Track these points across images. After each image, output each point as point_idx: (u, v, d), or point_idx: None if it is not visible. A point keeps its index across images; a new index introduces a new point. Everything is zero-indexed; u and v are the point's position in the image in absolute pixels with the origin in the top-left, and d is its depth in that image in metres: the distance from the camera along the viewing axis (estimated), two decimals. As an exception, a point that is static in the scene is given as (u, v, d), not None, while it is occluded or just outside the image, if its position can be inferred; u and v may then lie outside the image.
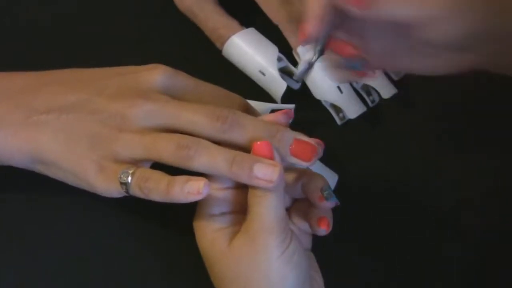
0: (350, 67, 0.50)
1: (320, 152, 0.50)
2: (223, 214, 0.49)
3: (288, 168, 0.51)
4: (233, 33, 0.64)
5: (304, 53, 0.62)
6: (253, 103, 0.56)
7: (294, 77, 0.47)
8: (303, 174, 0.52)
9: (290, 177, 0.52)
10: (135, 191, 0.48)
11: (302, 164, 0.49)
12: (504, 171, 0.61)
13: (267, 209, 0.47)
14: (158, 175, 0.47)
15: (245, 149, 0.48)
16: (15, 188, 0.56)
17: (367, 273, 0.57)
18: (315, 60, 0.48)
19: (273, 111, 0.58)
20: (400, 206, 0.60)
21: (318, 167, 0.57)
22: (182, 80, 0.52)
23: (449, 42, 0.46)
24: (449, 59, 0.48)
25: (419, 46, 0.48)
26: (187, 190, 0.45)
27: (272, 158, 0.47)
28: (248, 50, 0.63)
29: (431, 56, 0.48)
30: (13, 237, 0.56)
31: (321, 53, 0.48)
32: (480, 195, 0.60)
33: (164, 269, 0.55)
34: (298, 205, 0.53)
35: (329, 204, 0.50)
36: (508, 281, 0.57)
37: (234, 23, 0.65)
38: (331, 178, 0.58)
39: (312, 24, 0.46)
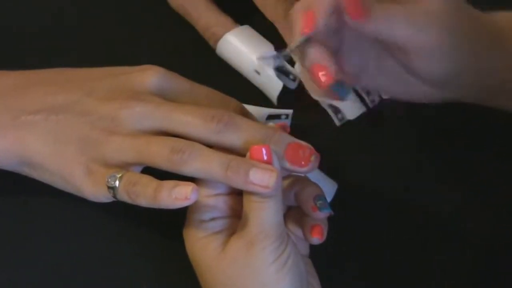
0: (334, 91, 0.48)
1: (317, 159, 0.48)
2: (213, 219, 0.49)
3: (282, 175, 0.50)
4: (227, 31, 0.63)
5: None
6: (249, 108, 0.55)
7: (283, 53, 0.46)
8: (296, 182, 0.51)
9: (283, 184, 0.51)
10: (123, 196, 0.47)
11: (299, 170, 0.48)
12: (505, 171, 0.61)
13: (266, 214, 0.46)
14: (146, 179, 0.46)
15: (241, 152, 0.47)
16: (7, 190, 0.55)
17: (365, 280, 0.56)
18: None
19: (270, 116, 0.57)
20: (400, 210, 0.59)
21: (317, 176, 0.56)
22: (176, 82, 0.52)
23: (431, 77, 0.47)
24: (428, 92, 0.49)
25: (401, 73, 0.48)
26: (174, 196, 0.44)
27: (270, 162, 0.46)
28: (243, 49, 0.62)
29: (410, 85, 0.49)
30: (5, 238, 0.55)
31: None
32: (480, 197, 0.60)
33: (156, 274, 0.55)
34: (292, 212, 0.52)
35: (322, 214, 0.50)
36: (509, 283, 0.57)
37: (228, 21, 0.64)
38: (331, 187, 0.57)
39: (319, 16, 0.45)
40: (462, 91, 0.49)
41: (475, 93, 0.50)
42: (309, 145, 0.48)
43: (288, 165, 0.48)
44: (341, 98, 0.48)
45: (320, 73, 0.46)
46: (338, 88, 0.47)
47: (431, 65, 0.46)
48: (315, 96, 0.55)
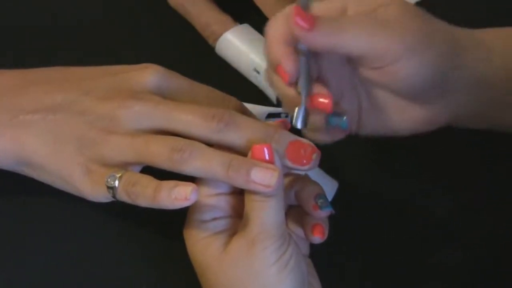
0: (335, 125, 0.48)
1: (318, 157, 0.48)
2: (215, 219, 0.48)
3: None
4: (226, 30, 0.63)
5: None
6: (249, 106, 0.55)
7: (293, 124, 0.47)
8: (297, 181, 0.51)
9: (283, 183, 0.50)
10: (122, 196, 0.47)
11: (301, 168, 0.47)
12: (503, 173, 0.61)
13: (267, 214, 0.46)
14: (146, 179, 0.46)
15: (241, 151, 0.47)
16: (7, 190, 0.55)
17: (365, 280, 0.56)
18: (304, 102, 0.46)
19: (270, 114, 0.56)
20: (400, 210, 0.59)
21: (317, 174, 0.56)
22: (175, 81, 0.51)
23: (404, 86, 0.46)
24: (413, 114, 0.49)
25: (391, 101, 0.48)
26: (174, 196, 0.44)
27: (272, 161, 0.46)
28: (242, 47, 0.62)
29: (395, 111, 0.49)
30: (5, 239, 0.55)
31: (307, 93, 0.47)
32: (480, 197, 0.60)
33: (156, 274, 0.54)
34: (293, 212, 0.52)
35: (323, 213, 0.49)
36: (509, 283, 0.56)
37: (227, 19, 0.64)
38: (331, 186, 0.57)
39: (285, 64, 0.46)
40: (453, 107, 0.49)
41: (472, 109, 0.50)
42: (311, 143, 0.48)
43: (289, 163, 0.47)
44: (344, 130, 0.48)
45: (321, 99, 0.46)
46: (337, 120, 0.48)
47: (396, 73, 0.46)
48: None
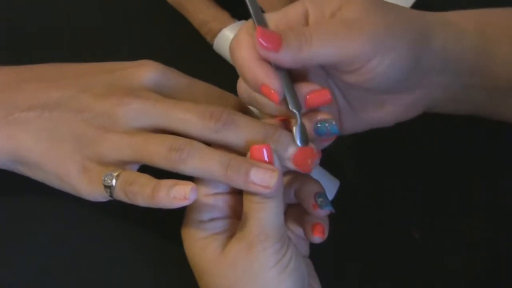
0: (326, 132, 0.47)
1: (319, 158, 0.48)
2: (213, 220, 0.48)
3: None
4: (224, 26, 0.62)
5: None
6: None
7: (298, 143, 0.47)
8: (296, 179, 0.50)
9: (282, 181, 0.49)
10: (120, 195, 0.46)
11: (301, 170, 0.47)
12: (504, 170, 0.61)
13: (266, 215, 0.46)
14: (144, 178, 0.45)
15: (240, 151, 0.47)
16: (5, 189, 0.55)
17: (365, 280, 0.56)
18: (300, 119, 0.46)
19: None
20: (400, 210, 0.59)
21: (319, 173, 0.56)
22: (174, 78, 0.51)
23: (381, 82, 0.46)
24: (392, 105, 0.49)
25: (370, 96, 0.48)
26: (173, 195, 0.44)
27: (271, 162, 0.45)
28: (241, 45, 0.61)
29: (375, 106, 0.49)
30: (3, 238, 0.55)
31: (299, 108, 0.46)
32: (482, 196, 0.60)
33: (154, 274, 0.54)
34: (292, 211, 0.52)
35: (323, 212, 0.49)
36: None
37: (225, 16, 0.63)
38: (332, 185, 0.56)
39: (271, 82, 0.45)
40: (429, 91, 0.49)
41: (444, 88, 0.49)
42: (311, 144, 0.47)
43: (290, 165, 0.47)
44: (335, 135, 0.48)
45: (318, 96, 0.46)
46: (327, 126, 0.47)
47: (371, 72, 0.45)
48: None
